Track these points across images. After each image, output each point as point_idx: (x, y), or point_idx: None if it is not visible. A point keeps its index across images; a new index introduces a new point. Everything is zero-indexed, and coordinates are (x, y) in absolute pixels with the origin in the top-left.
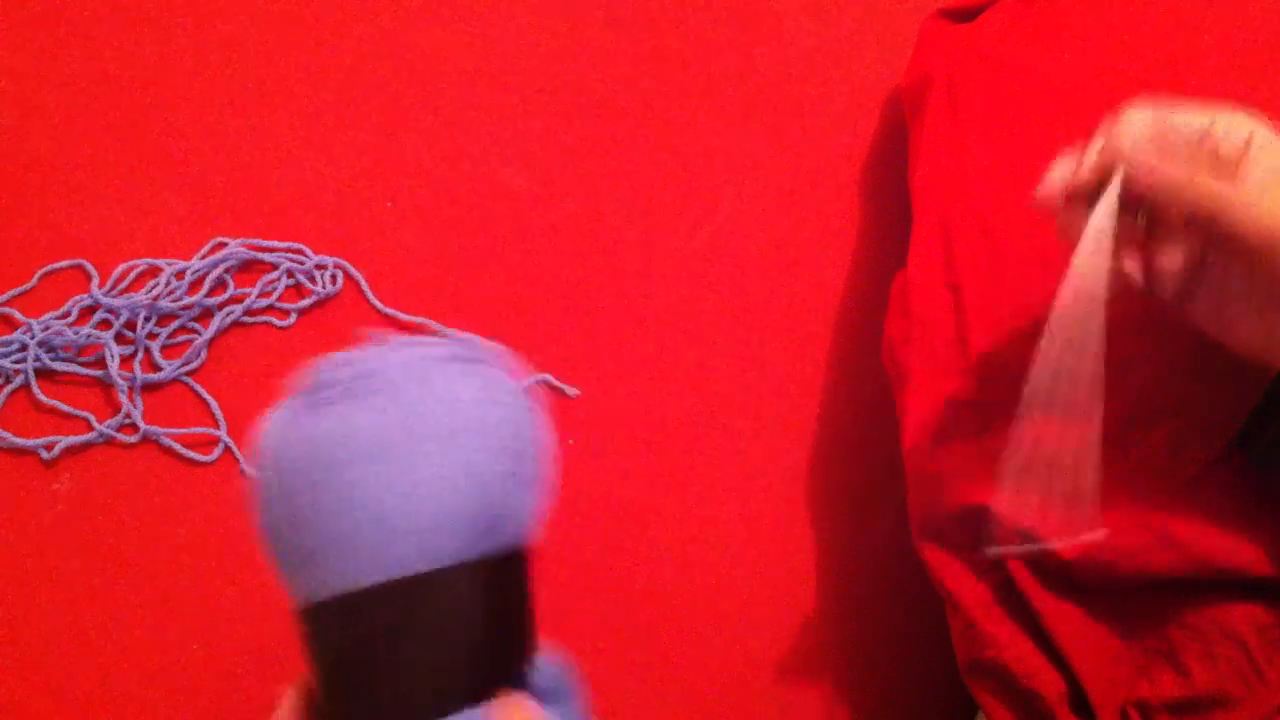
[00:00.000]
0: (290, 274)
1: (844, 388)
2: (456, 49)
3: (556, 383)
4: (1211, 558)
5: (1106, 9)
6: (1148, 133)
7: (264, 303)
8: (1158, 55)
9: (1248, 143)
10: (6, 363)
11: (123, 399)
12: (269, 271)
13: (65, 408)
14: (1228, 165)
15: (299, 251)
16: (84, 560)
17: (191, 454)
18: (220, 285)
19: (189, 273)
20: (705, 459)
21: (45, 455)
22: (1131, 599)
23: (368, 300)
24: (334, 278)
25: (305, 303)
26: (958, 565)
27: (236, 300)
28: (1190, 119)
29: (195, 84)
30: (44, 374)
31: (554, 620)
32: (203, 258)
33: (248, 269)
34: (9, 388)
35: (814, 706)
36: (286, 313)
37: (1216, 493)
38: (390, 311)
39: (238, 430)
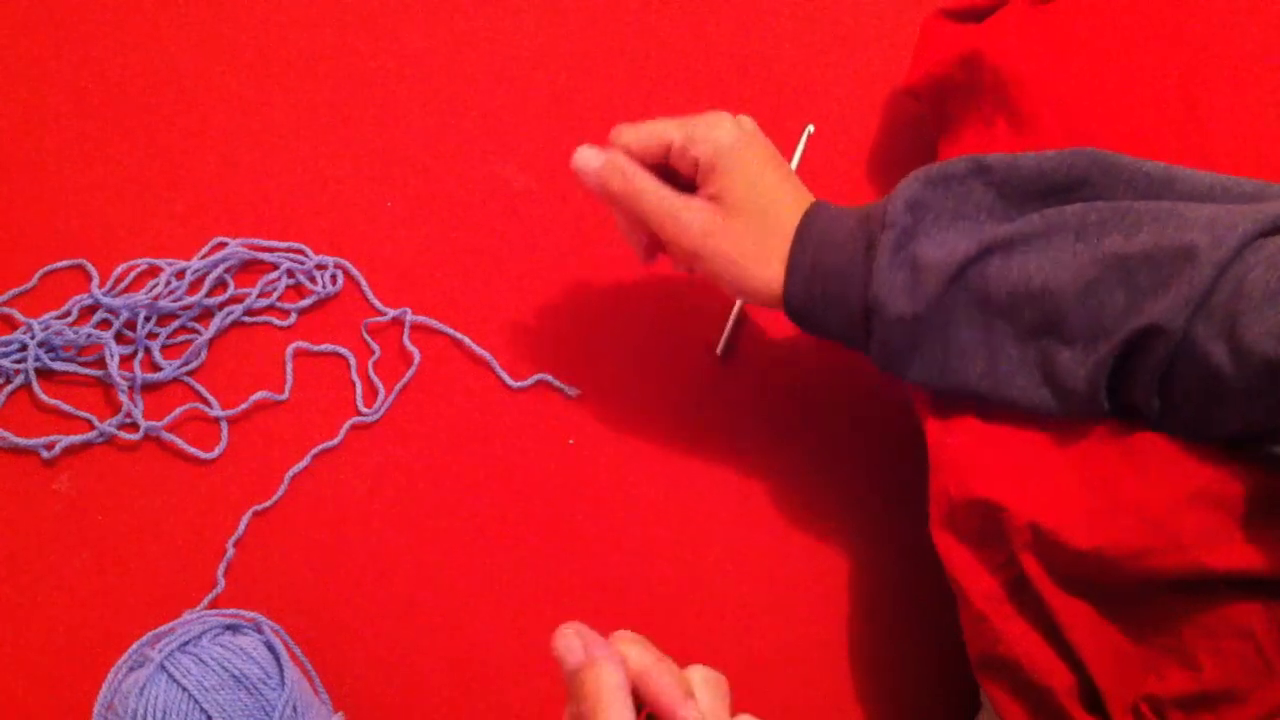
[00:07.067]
0: (290, 274)
1: (851, 383)
2: (456, 48)
3: (556, 383)
4: (1221, 560)
5: (1123, 12)
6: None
7: (264, 303)
8: (1173, 61)
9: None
10: (6, 362)
11: (123, 398)
12: (269, 271)
13: (66, 408)
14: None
15: (299, 251)
16: (84, 560)
17: (192, 453)
18: (220, 285)
19: (189, 273)
20: (707, 457)
21: (45, 455)
22: (1142, 598)
23: (368, 300)
24: (334, 278)
25: (305, 303)
26: (970, 558)
27: (236, 300)
28: (669, 128)
29: (195, 84)
30: (44, 374)
31: (553, 622)
32: (203, 258)
33: (248, 269)
34: (9, 388)
35: (816, 703)
36: (286, 313)
37: (1226, 495)
38: (391, 312)
39: (238, 430)
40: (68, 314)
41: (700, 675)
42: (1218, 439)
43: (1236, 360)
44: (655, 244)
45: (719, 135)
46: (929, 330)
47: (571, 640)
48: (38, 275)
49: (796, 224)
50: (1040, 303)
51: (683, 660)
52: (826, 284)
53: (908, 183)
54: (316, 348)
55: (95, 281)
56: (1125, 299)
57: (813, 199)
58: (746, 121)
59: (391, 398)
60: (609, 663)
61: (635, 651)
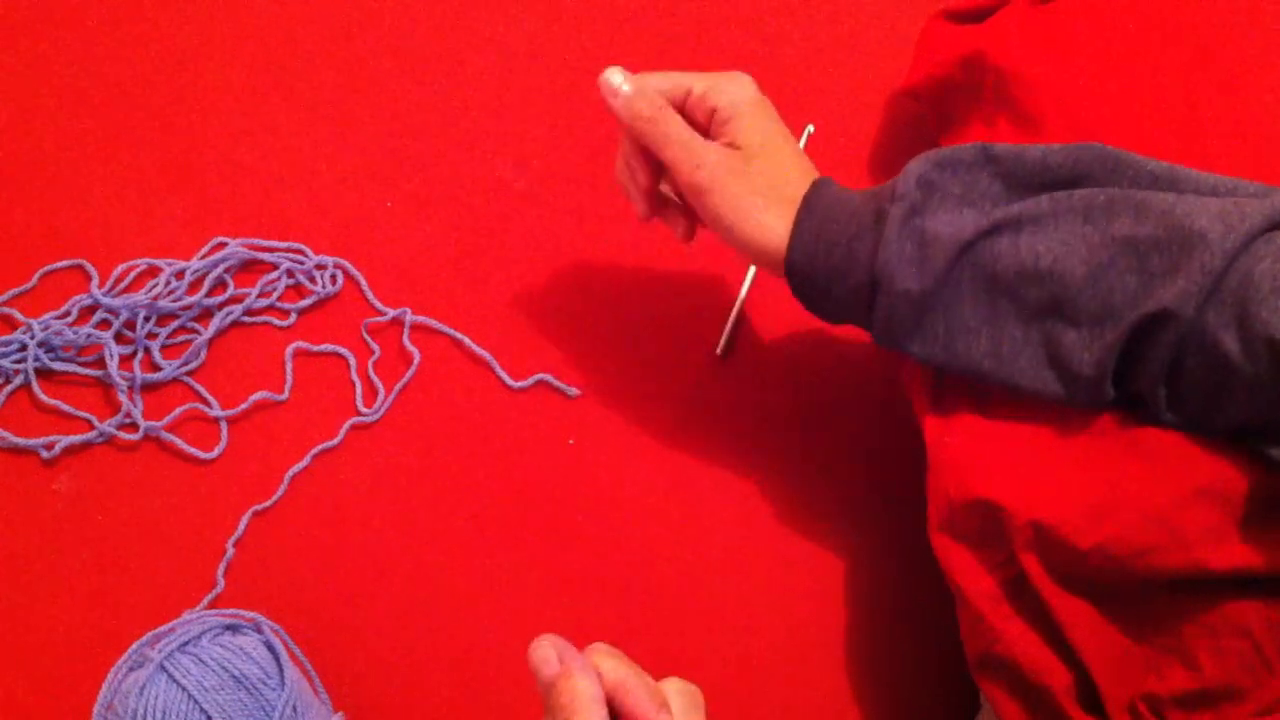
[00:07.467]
0: (290, 274)
1: (851, 383)
2: (456, 48)
3: (556, 383)
4: (1222, 559)
5: (1123, 12)
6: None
7: (264, 303)
8: (1173, 61)
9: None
10: (6, 363)
11: (122, 398)
12: (269, 271)
13: (66, 408)
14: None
15: (299, 251)
16: (84, 560)
17: (192, 453)
18: (220, 285)
19: (189, 273)
20: (707, 457)
21: (45, 455)
22: (1142, 597)
23: (368, 300)
24: (334, 278)
25: (305, 303)
26: (968, 558)
27: (236, 300)
28: (693, 80)
29: (195, 84)
30: (44, 374)
31: (553, 622)
32: (203, 258)
33: (248, 269)
34: (9, 388)
35: (816, 703)
36: (286, 313)
37: (1230, 493)
38: (391, 312)
39: (238, 430)
40: (67, 314)
41: (675, 687)
42: (1221, 431)
43: (1246, 348)
44: (654, 194)
45: (740, 88)
46: (934, 305)
47: (547, 651)
48: (38, 275)
49: (804, 193)
50: (1047, 283)
51: (684, 659)
52: (832, 253)
53: (918, 162)
54: (316, 348)
55: (95, 281)
56: (1137, 283)
57: (819, 174)
58: (766, 97)
59: (391, 398)
60: (584, 674)
61: (610, 664)
